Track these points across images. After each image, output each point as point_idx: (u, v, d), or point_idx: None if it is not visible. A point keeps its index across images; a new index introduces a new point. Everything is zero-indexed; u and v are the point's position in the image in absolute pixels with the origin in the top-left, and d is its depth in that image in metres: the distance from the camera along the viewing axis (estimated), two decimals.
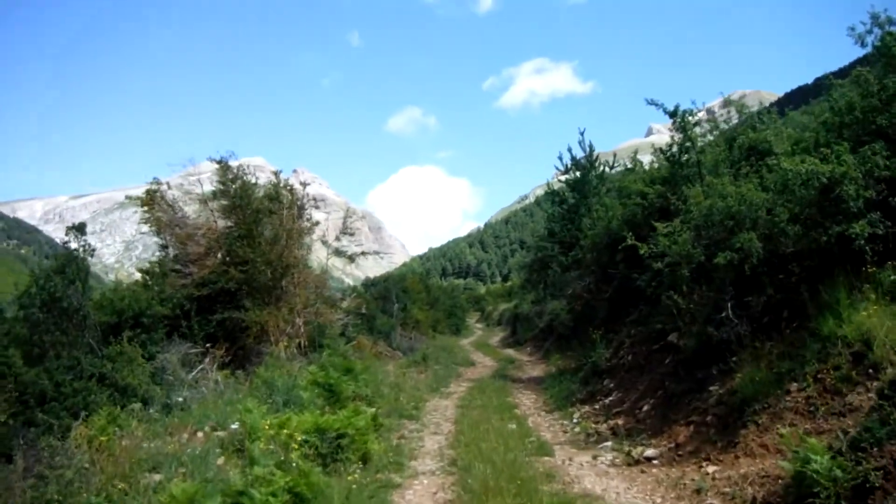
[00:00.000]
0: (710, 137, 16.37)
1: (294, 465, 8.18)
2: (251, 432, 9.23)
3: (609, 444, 11.32)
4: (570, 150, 27.57)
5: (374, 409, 13.73)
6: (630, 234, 13.62)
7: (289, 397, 12.37)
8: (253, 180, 19.20)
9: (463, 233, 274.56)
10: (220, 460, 8.58)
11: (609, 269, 20.11)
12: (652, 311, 15.89)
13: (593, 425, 13.23)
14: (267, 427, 9.41)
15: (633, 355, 16.12)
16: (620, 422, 12.69)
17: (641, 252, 12.69)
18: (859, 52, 11.99)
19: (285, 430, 9.53)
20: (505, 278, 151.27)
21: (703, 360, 11.49)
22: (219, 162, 18.74)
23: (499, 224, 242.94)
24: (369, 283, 55.31)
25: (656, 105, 15.48)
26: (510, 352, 38.80)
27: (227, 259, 18.18)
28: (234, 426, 9.88)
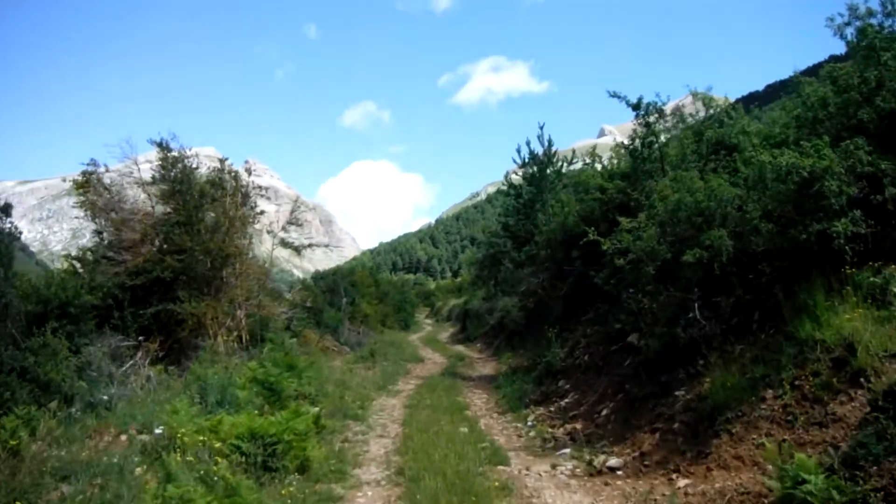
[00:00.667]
0: (675, 132, 15.82)
1: (220, 478, 7.30)
2: (176, 438, 8.34)
3: (568, 451, 10.58)
4: (528, 143, 26.89)
5: (316, 410, 12.92)
6: (592, 229, 12.91)
7: (223, 396, 11.45)
8: (195, 165, 18.16)
9: (414, 228, 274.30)
10: (139, 470, 7.66)
11: (564, 265, 19.51)
12: (610, 310, 15.31)
13: (549, 429, 12.52)
14: (194, 432, 8.53)
15: (589, 355, 15.49)
16: (578, 426, 12.01)
17: (604, 248, 11.98)
18: (818, 56, 11.55)
19: (215, 435, 8.66)
20: (455, 274, 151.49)
21: (667, 362, 10.88)
22: (159, 145, 17.67)
23: (450, 220, 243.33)
24: (318, 277, 54.25)
25: (619, 97, 14.86)
26: (460, 348, 38.14)
27: (164, 247, 17.13)
28: (157, 430, 8.97)
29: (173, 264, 16.45)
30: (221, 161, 19.12)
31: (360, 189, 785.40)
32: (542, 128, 26.77)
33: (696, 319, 10.30)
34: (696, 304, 10.38)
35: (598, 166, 20.02)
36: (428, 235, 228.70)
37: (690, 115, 15.87)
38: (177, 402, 9.97)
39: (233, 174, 19.27)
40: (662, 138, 15.07)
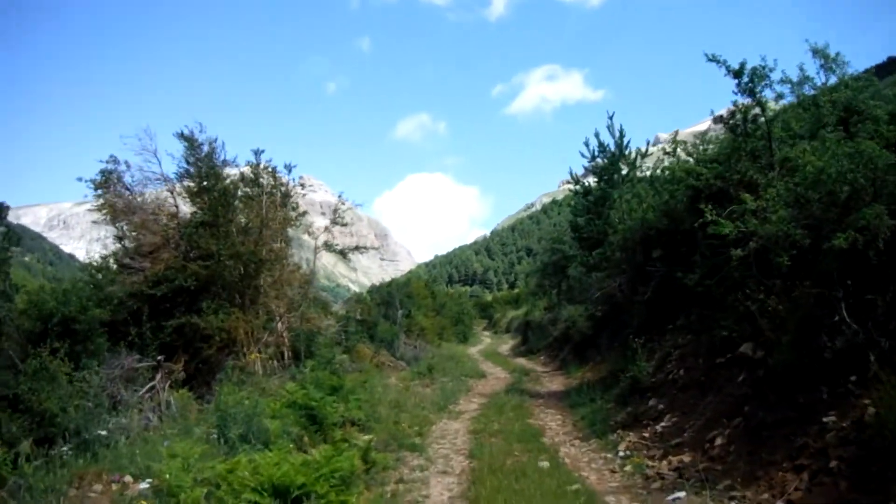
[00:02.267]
0: (787, 101, 13.43)
1: None
2: (170, 492, 6.28)
3: (682, 495, 8.22)
4: (597, 135, 24.50)
5: (367, 439, 10.90)
6: (709, 207, 10.56)
7: (248, 428, 9.40)
8: (223, 157, 16.30)
9: (470, 240, 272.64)
10: None
11: (647, 266, 17.22)
12: (708, 315, 13.01)
13: (649, 462, 10.21)
14: (196, 484, 6.47)
15: (686, 370, 13.13)
16: (686, 459, 9.68)
17: (726, 231, 9.67)
18: None
19: (227, 486, 6.59)
20: (512, 286, 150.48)
21: (801, 379, 8.56)
22: (185, 137, 15.83)
23: (505, 231, 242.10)
24: (373, 290, 52.54)
25: (717, 62, 12.54)
26: (522, 361, 35.89)
27: (188, 252, 15.29)
28: (143, 485, 6.93)
29: (198, 271, 14.60)
30: (256, 153, 17.19)
31: (415, 202, 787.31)
32: (611, 118, 24.36)
33: (844, 323, 8.01)
34: (843, 304, 8.10)
35: (682, 153, 17.64)
36: (483, 247, 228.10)
37: (803, 78, 13.40)
38: (179, 442, 7.90)
39: (270, 170, 17.35)
40: (770, 110, 12.69)
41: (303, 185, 18.25)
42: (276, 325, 16.27)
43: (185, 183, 16.10)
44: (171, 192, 16.13)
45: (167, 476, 6.56)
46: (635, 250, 18.39)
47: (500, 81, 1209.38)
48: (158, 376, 12.56)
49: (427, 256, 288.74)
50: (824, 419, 7.65)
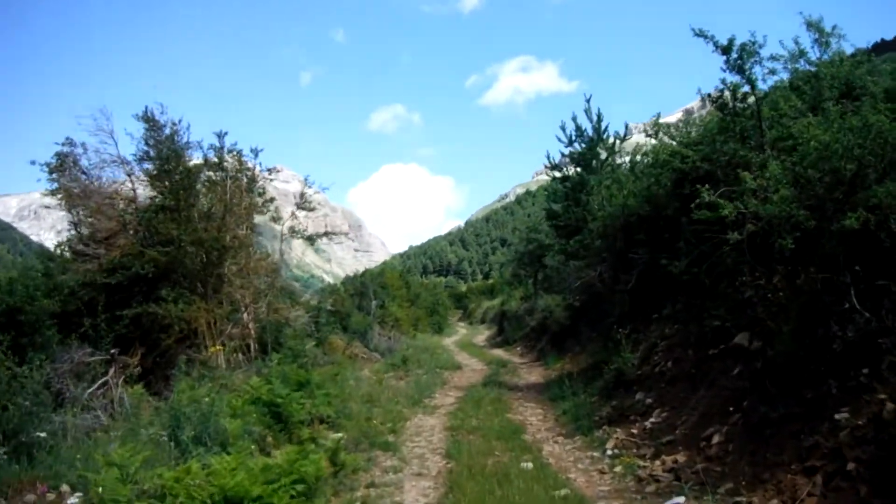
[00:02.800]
0: (779, 77, 12.71)
1: None
2: None
3: (681, 500, 7.51)
4: (574, 118, 23.72)
5: (336, 437, 10.13)
6: (706, 188, 9.80)
7: (204, 429, 8.58)
8: (186, 140, 15.34)
9: (444, 231, 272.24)
10: None
11: (629, 254, 16.55)
12: (696, 304, 12.39)
13: (640, 462, 9.48)
14: (134, 498, 5.67)
15: (674, 361, 12.44)
16: (681, 458, 8.97)
17: (725, 213, 8.95)
18: None
19: (169, 499, 5.80)
20: (486, 276, 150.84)
21: (806, 371, 7.89)
22: (146, 118, 14.89)
23: (479, 222, 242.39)
24: (347, 280, 51.80)
25: (705, 37, 11.83)
26: (499, 353, 35.24)
27: (146, 238, 14.37)
28: (72, 500, 6.12)
29: (157, 258, 13.67)
30: (219, 136, 16.25)
31: (390, 193, 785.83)
32: (588, 101, 23.56)
33: (855, 310, 7.34)
34: (852, 290, 7.43)
35: (664, 137, 16.97)
36: (458, 238, 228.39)
37: (795, 53, 12.65)
38: (121, 446, 7.04)
39: (236, 153, 16.45)
40: (759, 88, 12.00)
41: (270, 171, 17.27)
42: (242, 315, 15.43)
43: (145, 166, 15.18)
44: (129, 176, 15.19)
45: (100, 487, 5.75)
46: (616, 237, 17.72)
47: (473, 72, 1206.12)
48: (112, 371, 11.69)
49: (402, 247, 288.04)
50: (836, 416, 6.98)
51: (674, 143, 15.27)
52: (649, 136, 17.21)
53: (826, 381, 7.47)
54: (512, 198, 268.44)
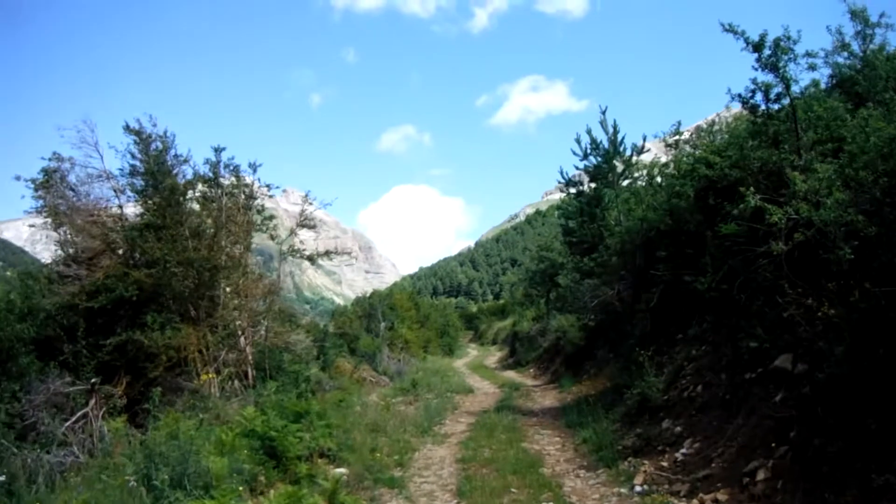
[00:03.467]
0: (819, 74, 11.75)
1: None
2: None
3: None
4: (589, 131, 22.77)
5: (336, 475, 9.21)
6: (751, 190, 8.85)
7: (183, 470, 7.60)
8: (175, 153, 14.42)
9: (455, 252, 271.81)
10: None
11: (650, 271, 15.61)
12: (727, 323, 11.44)
13: (674, 501, 8.50)
14: None
15: (703, 386, 11.42)
16: (722, 497, 7.94)
17: (775, 218, 7.99)
18: None
19: None
20: (497, 296, 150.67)
21: (865, 398, 6.91)
22: (134, 131, 13.99)
23: (490, 243, 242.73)
24: (356, 302, 50.99)
25: (735, 33, 10.93)
26: (511, 375, 34.36)
27: (131, 258, 13.49)
28: None
29: (141, 280, 12.70)
30: (217, 151, 15.31)
31: (401, 214, 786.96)
32: (604, 112, 22.70)
33: None
34: None
35: (686, 147, 16.05)
36: (468, 259, 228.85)
37: (844, 47, 11.70)
38: (83, 496, 6.07)
39: (232, 167, 15.54)
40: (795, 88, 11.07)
41: (269, 187, 16.35)
42: (239, 339, 14.49)
43: (132, 181, 14.21)
44: (115, 192, 14.29)
45: None
46: (635, 254, 16.83)
47: (484, 92, 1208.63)
48: (92, 402, 10.73)
49: (412, 269, 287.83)
50: None
51: (696, 151, 14.38)
52: (669, 146, 16.38)
53: (893, 409, 6.49)
54: (522, 218, 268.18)
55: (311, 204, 16.88)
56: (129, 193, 14.25)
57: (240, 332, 14.59)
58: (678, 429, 10.94)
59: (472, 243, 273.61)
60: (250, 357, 14.42)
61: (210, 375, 12.55)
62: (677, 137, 15.88)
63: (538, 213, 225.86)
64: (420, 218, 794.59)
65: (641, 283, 16.63)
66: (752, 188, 8.64)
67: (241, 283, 14.43)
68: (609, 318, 20.27)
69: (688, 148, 15.81)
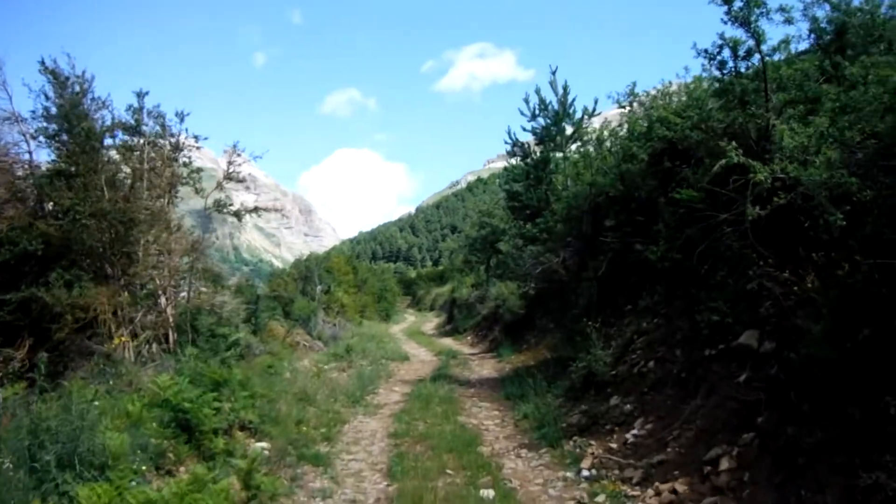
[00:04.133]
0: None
1: None
2: None
3: None
4: (538, 91, 21.77)
5: (253, 452, 8.25)
6: (733, 146, 8.01)
7: (74, 447, 6.55)
8: (93, 95, 13.04)
9: (396, 217, 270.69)
10: None
11: (598, 238, 14.84)
12: (681, 295, 10.73)
13: (627, 489, 7.72)
14: None
15: (656, 361, 10.63)
16: (680, 487, 7.14)
17: (759, 177, 7.17)
18: None
19: None
20: (436, 263, 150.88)
21: (845, 382, 6.17)
22: (51, 71, 12.56)
23: (430, 209, 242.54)
24: (294, 265, 49.81)
25: None
26: (449, 342, 33.67)
27: (39, 209, 12.19)
28: None
29: (47, 232, 11.46)
30: (139, 96, 13.97)
31: (343, 178, 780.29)
32: (554, 73, 21.66)
33: None
34: None
35: (640, 111, 15.19)
36: (408, 224, 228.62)
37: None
38: None
39: (157, 115, 14.26)
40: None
41: (197, 138, 15.08)
42: (160, 300, 13.32)
43: (45, 125, 12.78)
44: (25, 136, 12.86)
45: None
46: (582, 220, 16.05)
47: (430, 58, 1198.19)
48: None
49: (353, 233, 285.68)
50: None
51: (653, 112, 13.59)
52: (622, 107, 15.56)
53: (881, 398, 5.75)
54: (463, 185, 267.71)
55: (239, 155, 15.58)
56: (42, 139, 12.78)
57: (160, 292, 13.42)
58: (628, 406, 10.18)
59: (412, 209, 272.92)
60: (171, 319, 13.25)
61: (123, 339, 11.37)
62: (631, 98, 15.01)
63: (479, 180, 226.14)
64: (362, 182, 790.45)
65: (588, 250, 15.88)
66: (733, 143, 7.79)
67: (162, 238, 13.22)
68: (552, 287, 19.48)
69: (642, 111, 14.98)
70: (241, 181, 15.86)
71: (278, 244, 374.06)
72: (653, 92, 15.16)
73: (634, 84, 15.31)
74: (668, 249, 10.71)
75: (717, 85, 10.85)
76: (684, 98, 13.54)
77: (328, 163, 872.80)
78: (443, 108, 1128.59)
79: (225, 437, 9.09)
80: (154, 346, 12.45)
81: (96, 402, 7.88)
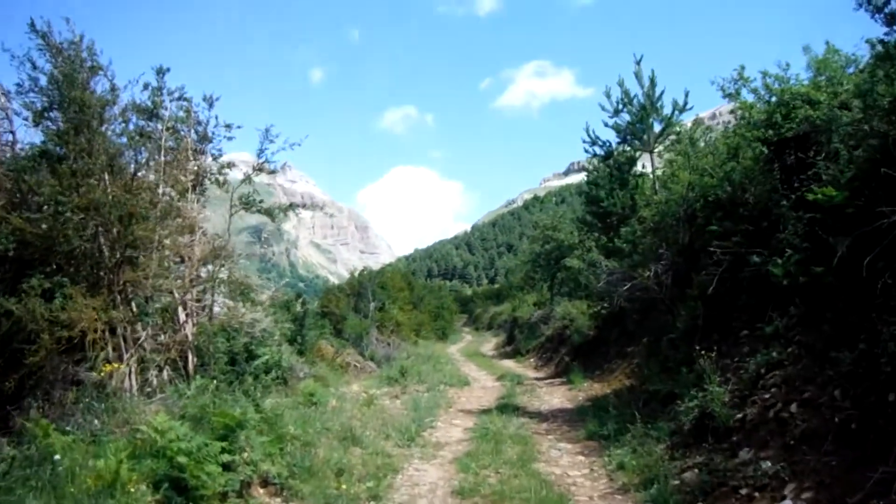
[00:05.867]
0: None
1: None
2: None
3: None
4: (620, 82, 19.12)
5: None
6: None
7: None
8: (91, 64, 10.71)
9: (452, 235, 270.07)
10: None
11: (700, 249, 12.44)
12: (828, 320, 8.32)
13: None
14: None
15: (800, 405, 8.10)
16: None
17: None
18: None
19: None
20: (492, 280, 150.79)
21: None
22: (41, 33, 10.39)
23: (486, 227, 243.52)
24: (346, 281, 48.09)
25: None
26: (510, 364, 31.60)
27: (14, 198, 9.91)
28: None
29: (22, 227, 9.29)
30: (159, 73, 11.77)
31: (400, 195, 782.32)
32: (638, 62, 19.08)
33: None
34: None
35: (748, 95, 12.75)
36: (464, 242, 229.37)
37: None
38: None
39: (184, 97, 12.15)
40: None
41: (229, 127, 12.90)
42: (179, 316, 11.18)
43: (29, 99, 10.44)
44: (5, 111, 10.76)
45: None
46: (679, 228, 13.66)
47: (488, 75, 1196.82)
48: None
49: (408, 250, 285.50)
50: None
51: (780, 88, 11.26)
52: (726, 96, 13.20)
53: None
54: (519, 203, 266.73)
55: (272, 142, 13.26)
56: (28, 117, 10.57)
57: (179, 307, 11.27)
58: (767, 464, 7.65)
59: (468, 227, 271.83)
60: (190, 339, 11.09)
61: (114, 366, 9.11)
62: (741, 84, 12.58)
63: (536, 198, 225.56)
64: (418, 200, 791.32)
65: (687, 264, 13.45)
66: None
67: (177, 240, 11.04)
68: (636, 307, 16.95)
69: (752, 97, 12.56)
70: (272, 172, 13.62)
71: (334, 260, 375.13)
72: (766, 77, 12.70)
73: (742, 68, 12.88)
74: (801, 262, 8.45)
75: (879, 48, 8.45)
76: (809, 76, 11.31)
77: (385, 180, 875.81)
78: (500, 125, 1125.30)
79: (239, 499, 6.88)
80: (167, 372, 10.26)
81: (58, 457, 5.72)
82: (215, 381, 9.96)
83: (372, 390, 17.23)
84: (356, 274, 42.74)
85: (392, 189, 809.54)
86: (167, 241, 11.30)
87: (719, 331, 11.77)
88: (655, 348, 14.42)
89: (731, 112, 13.44)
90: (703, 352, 10.26)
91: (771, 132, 10.99)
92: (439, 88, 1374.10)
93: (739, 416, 8.96)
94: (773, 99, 11.61)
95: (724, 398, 9.40)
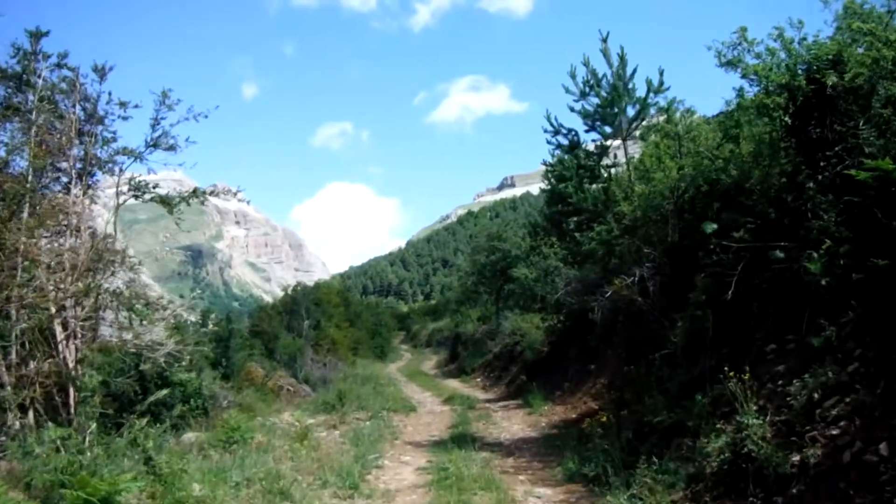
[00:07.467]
0: None
1: None
2: None
3: None
4: (586, 63, 16.75)
5: None
6: None
7: None
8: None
9: (387, 251, 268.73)
10: None
11: (704, 245, 10.30)
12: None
13: None
14: None
15: (890, 444, 5.93)
16: None
17: None
18: None
19: None
20: (427, 297, 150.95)
21: None
22: None
23: (421, 243, 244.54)
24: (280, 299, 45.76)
25: None
26: (456, 384, 29.48)
27: None
28: None
29: None
30: (34, 37, 9.24)
31: (335, 211, 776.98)
32: (605, 39, 16.71)
33: None
34: None
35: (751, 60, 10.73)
36: (398, 258, 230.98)
37: None
38: None
39: (62, 64, 9.64)
40: None
41: (124, 105, 10.36)
42: (56, 337, 8.62)
43: None
44: None
45: None
46: (667, 224, 11.59)
47: (422, 89, 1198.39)
48: None
49: (343, 268, 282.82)
50: None
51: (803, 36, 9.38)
52: (726, 64, 11.22)
53: None
54: (454, 219, 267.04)
55: (170, 108, 10.64)
56: None
57: (57, 325, 8.72)
58: None
59: (403, 243, 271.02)
60: (71, 366, 8.53)
61: None
62: (746, 46, 10.54)
63: (470, 213, 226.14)
64: (354, 216, 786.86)
65: (679, 266, 11.33)
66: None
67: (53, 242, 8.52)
68: (611, 318, 14.70)
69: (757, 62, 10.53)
70: (169, 149, 11.07)
71: (269, 279, 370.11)
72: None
73: (745, 29, 10.82)
74: (849, 254, 6.51)
75: None
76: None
77: (320, 196, 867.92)
78: (435, 140, 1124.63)
79: None
80: (32, 413, 7.71)
81: None
82: (93, 426, 7.41)
83: (306, 420, 14.93)
84: (289, 290, 40.49)
85: (327, 205, 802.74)
86: (43, 244, 8.79)
87: (732, 345, 9.60)
88: (646, 368, 12.09)
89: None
90: (730, 372, 7.97)
91: (788, 100, 9.03)
92: (375, 104, 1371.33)
93: (796, 458, 6.68)
94: (790, 62, 9.60)
95: (766, 433, 7.15)
